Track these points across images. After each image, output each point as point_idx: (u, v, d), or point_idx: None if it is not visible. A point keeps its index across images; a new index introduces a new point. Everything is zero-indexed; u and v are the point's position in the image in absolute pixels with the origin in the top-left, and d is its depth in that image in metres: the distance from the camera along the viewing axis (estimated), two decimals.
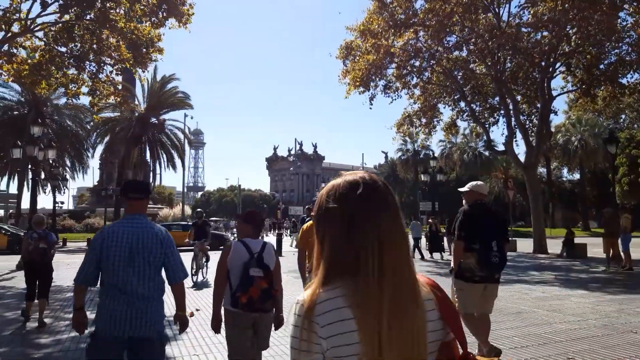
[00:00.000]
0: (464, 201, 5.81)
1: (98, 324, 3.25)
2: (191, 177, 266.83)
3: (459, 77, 26.60)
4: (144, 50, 17.64)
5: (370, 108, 26.64)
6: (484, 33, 22.65)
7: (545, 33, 23.29)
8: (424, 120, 29.65)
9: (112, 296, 3.24)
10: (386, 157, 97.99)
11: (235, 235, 29.52)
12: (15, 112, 34.97)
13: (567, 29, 22.81)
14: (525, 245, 26.43)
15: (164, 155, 37.85)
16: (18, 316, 8.17)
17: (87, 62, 17.95)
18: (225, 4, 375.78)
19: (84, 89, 18.96)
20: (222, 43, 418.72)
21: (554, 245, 23.72)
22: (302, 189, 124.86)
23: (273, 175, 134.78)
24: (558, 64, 24.68)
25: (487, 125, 27.88)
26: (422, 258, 20.65)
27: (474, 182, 6.00)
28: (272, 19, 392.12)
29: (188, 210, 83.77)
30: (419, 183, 78.86)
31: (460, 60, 26.11)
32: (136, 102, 37.61)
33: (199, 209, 15.71)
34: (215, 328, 3.99)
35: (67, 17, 16.60)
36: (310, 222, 5.81)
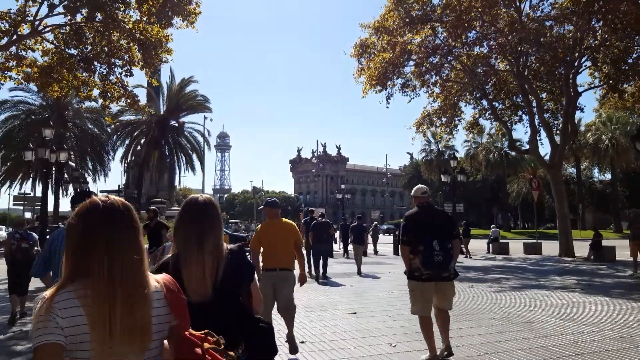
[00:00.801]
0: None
1: None
2: (217, 180, 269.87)
3: (480, 74, 25.76)
4: (153, 51, 17.47)
5: (387, 107, 26.13)
6: (504, 27, 21.82)
7: (569, 27, 22.31)
8: (444, 120, 28.89)
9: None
10: (411, 158, 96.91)
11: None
12: (38, 116, 35.50)
13: (593, 22, 21.82)
14: (552, 248, 25.41)
15: (184, 158, 37.91)
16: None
17: (98, 64, 17.88)
18: (246, 8, 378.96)
19: (95, 91, 19.04)
20: (245, 46, 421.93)
21: (582, 248, 22.66)
22: (326, 190, 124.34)
23: (297, 178, 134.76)
24: (584, 59, 23.65)
25: (509, 124, 26.92)
26: None
27: (415, 187, 6.14)
28: (293, 20, 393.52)
29: None
30: (446, 183, 78.03)
31: (481, 56, 25.28)
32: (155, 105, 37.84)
33: (152, 207, 11.24)
34: None
35: (78, 18, 16.57)
36: (261, 225, 6.45)
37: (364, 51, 24.20)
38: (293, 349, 6.06)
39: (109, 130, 36.55)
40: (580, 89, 24.80)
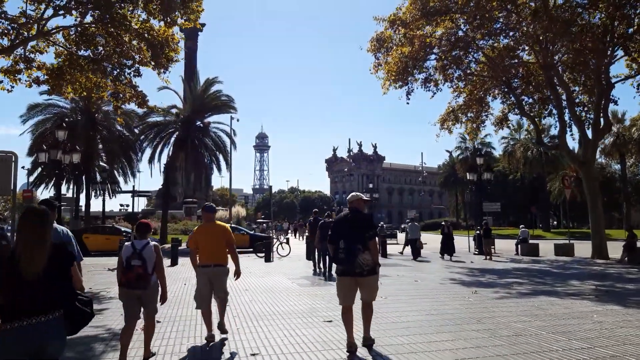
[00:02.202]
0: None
1: None
2: (257, 180, 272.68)
3: (505, 66, 24.50)
4: (160, 50, 17.34)
5: (407, 103, 25.17)
6: (527, 16, 20.60)
7: (598, 15, 20.89)
8: (470, 115, 27.74)
9: None
10: (451, 155, 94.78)
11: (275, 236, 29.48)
12: (70, 119, 36.33)
13: (627, 9, 20.33)
14: (588, 249, 23.80)
15: (210, 158, 38.00)
16: None
17: (109, 66, 17.88)
18: (283, 8, 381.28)
19: (108, 92, 19.11)
20: (284, 46, 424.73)
21: (619, 250, 21.12)
22: (361, 189, 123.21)
23: (333, 177, 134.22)
24: (617, 48, 22.10)
25: (537, 119, 25.54)
26: (416, 257, 21.68)
27: (350, 194, 6.90)
28: (326, 18, 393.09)
29: (242, 211, 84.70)
30: (484, 182, 75.67)
31: (506, 48, 24.05)
32: (180, 106, 38.06)
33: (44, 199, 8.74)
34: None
35: (88, 19, 16.60)
36: (197, 227, 7.24)
37: (380, 46, 23.36)
38: (223, 332, 7.02)
39: (136, 131, 37.03)
40: (614, 80, 23.22)
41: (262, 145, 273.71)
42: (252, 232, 29.19)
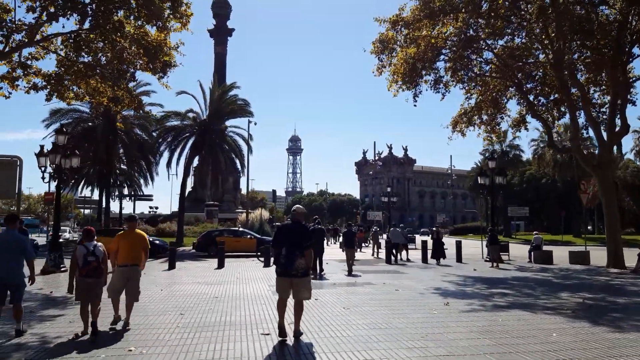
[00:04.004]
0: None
1: None
2: (289, 183, 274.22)
3: (516, 66, 23.59)
4: (156, 56, 17.43)
5: (415, 105, 24.43)
6: (534, 10, 19.71)
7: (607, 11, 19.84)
8: (485, 117, 26.87)
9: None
10: (485, 158, 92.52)
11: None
12: (90, 124, 37.21)
13: None
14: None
15: (227, 162, 38.23)
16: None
17: (107, 71, 18.06)
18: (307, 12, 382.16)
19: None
20: (314, 51, 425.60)
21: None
22: (391, 193, 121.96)
23: (362, 180, 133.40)
24: (634, 46, 20.91)
25: (551, 121, 24.48)
26: (391, 261, 22.18)
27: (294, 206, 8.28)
28: (353, 21, 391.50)
29: (266, 214, 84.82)
30: (513, 185, 73.36)
31: (516, 47, 23.16)
32: (197, 110, 38.39)
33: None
34: (70, 288, 7.77)
35: (85, 25, 16.80)
36: (120, 233, 8.64)
37: (384, 47, 22.82)
38: (125, 325, 8.11)
39: (154, 134, 37.60)
40: (632, 80, 21.99)
41: (295, 148, 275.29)
42: (259, 236, 29.05)
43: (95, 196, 41.87)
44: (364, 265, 20.93)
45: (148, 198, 36.08)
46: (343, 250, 23.01)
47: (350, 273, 17.46)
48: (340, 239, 33.54)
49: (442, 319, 8.92)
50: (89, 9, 15.30)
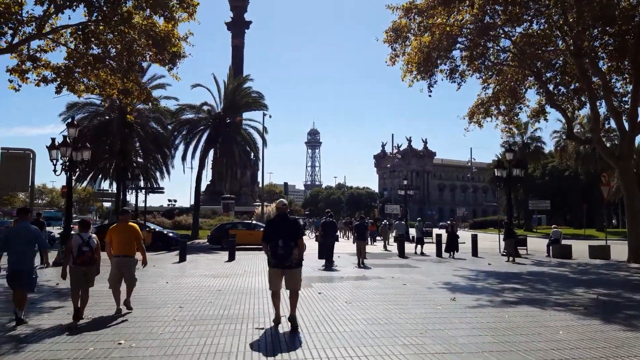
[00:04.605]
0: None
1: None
2: (308, 176, 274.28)
3: (535, 54, 22.86)
4: (164, 46, 17.32)
5: (430, 95, 23.90)
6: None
7: None
8: (502, 108, 26.22)
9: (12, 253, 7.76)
10: (510, 149, 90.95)
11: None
12: (106, 117, 37.44)
13: None
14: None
15: (241, 155, 38.16)
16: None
17: (115, 63, 18.02)
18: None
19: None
20: (332, 43, 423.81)
21: None
22: (411, 186, 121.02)
23: (381, 173, 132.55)
24: None
25: (571, 111, 23.72)
26: (404, 255, 22.20)
27: (277, 200, 8.72)
28: (373, 12, 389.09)
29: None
30: (535, 178, 71.94)
31: (535, 35, 22.43)
32: (212, 103, 38.31)
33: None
34: (63, 275, 8.29)
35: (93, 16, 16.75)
36: (113, 225, 9.25)
37: (397, 36, 22.33)
38: (129, 309, 8.77)
39: (169, 127, 37.68)
40: None
41: (313, 141, 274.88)
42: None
43: (114, 189, 42.23)
44: (376, 259, 20.63)
45: (160, 191, 36.11)
46: (354, 242, 22.80)
47: (359, 265, 17.61)
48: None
49: (445, 315, 8.60)
50: (95, 0, 15.21)
